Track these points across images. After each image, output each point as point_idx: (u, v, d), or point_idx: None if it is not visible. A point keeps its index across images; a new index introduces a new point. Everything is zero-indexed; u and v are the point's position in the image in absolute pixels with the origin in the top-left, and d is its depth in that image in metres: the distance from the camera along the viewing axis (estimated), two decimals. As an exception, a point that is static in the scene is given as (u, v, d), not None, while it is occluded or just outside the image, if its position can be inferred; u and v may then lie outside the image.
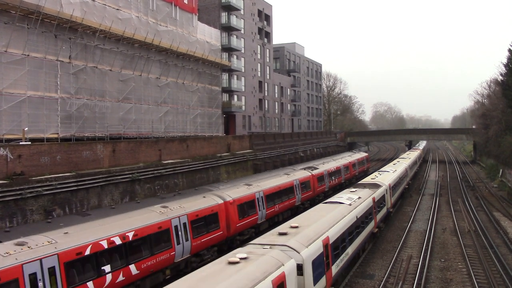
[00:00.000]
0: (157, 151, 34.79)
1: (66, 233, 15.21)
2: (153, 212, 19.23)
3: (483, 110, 71.59)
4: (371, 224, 24.08)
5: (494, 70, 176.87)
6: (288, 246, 14.09)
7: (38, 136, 27.74)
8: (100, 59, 33.33)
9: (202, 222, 21.06)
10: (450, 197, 42.44)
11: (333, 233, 17.15)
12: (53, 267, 13.65)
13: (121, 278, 16.06)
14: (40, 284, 13.14)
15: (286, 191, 31.08)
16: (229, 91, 57.34)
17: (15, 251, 13.12)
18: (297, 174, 35.21)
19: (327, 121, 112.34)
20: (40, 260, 13.34)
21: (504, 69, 50.74)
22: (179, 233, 19.41)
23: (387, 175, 34.33)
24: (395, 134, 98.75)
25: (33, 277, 13.00)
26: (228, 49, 56.43)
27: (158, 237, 18.16)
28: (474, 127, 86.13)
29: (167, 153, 35.95)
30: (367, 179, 32.76)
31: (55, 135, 29.29)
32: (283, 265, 12.54)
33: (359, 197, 23.57)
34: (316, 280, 14.47)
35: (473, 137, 75.78)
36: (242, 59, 61.33)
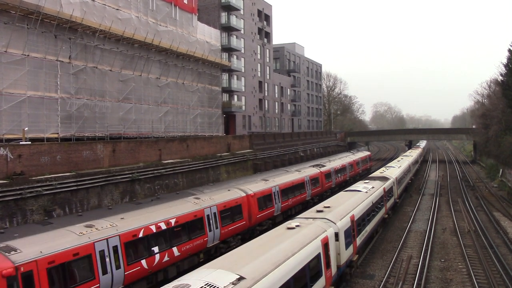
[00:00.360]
0: (157, 151, 34.79)
1: (123, 218, 17.57)
2: (188, 202, 21.81)
3: (483, 110, 71.59)
4: (382, 210, 27.93)
5: (494, 70, 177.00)
6: (327, 219, 18.03)
7: (38, 136, 27.75)
8: (100, 59, 33.33)
9: (228, 213, 23.53)
10: (450, 197, 42.43)
11: (357, 212, 21.12)
12: (116, 246, 15.99)
13: (166, 258, 18.41)
14: (107, 259, 15.46)
15: (298, 187, 33.29)
16: (229, 91, 57.34)
17: (86, 231, 15.44)
18: (307, 171, 37.29)
19: (327, 121, 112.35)
20: (107, 239, 15.67)
21: (504, 69, 50.71)
22: (211, 221, 21.94)
23: (394, 170, 37.70)
24: (395, 134, 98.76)
25: (102, 253, 15.35)
26: (228, 49, 56.43)
27: (194, 224, 20.67)
28: (474, 127, 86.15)
29: (167, 153, 35.95)
30: (376, 173, 36.17)
31: (55, 135, 29.30)
32: (326, 231, 16.52)
33: (373, 187, 27.36)
34: (347, 246, 18.43)
35: (473, 137, 75.77)
36: (242, 59, 61.33)
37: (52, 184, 24.36)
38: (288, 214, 31.36)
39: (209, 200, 22.67)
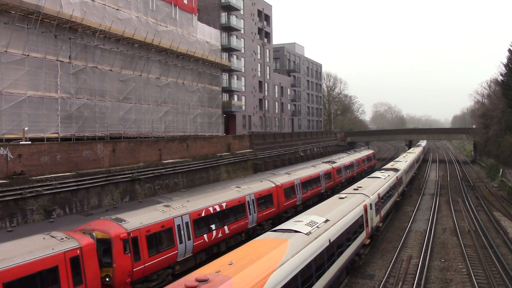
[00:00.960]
0: (157, 150, 34.80)
1: (188, 201, 21.92)
2: (232, 190, 26.05)
3: (483, 110, 71.64)
4: (396, 195, 34.31)
5: (494, 70, 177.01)
6: (363, 194, 24.72)
7: (38, 136, 27.75)
8: (100, 59, 33.33)
9: (263, 200, 27.38)
10: (450, 197, 42.43)
11: (381, 191, 27.43)
12: (187, 222, 20.18)
13: (220, 234, 22.44)
14: (182, 232, 19.75)
15: (315, 180, 37.45)
16: (229, 91, 57.35)
17: (167, 210, 19.75)
18: (321, 166, 41.30)
19: (327, 121, 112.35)
20: (181, 216, 19.89)
21: (504, 69, 50.74)
22: (250, 206, 25.83)
23: (401, 163, 44.01)
24: (395, 134, 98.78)
25: (178, 227, 19.60)
26: (228, 49, 56.44)
27: (238, 208, 24.65)
28: (474, 127, 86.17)
29: (167, 152, 35.96)
30: (388, 166, 42.65)
31: (55, 135, 29.30)
32: (364, 201, 23.27)
33: (388, 175, 33.92)
34: (376, 214, 24.77)
35: (473, 137, 75.78)
36: (242, 59, 61.34)
37: (52, 184, 24.37)
38: (307, 204, 34.32)
39: (247, 189, 26.71)
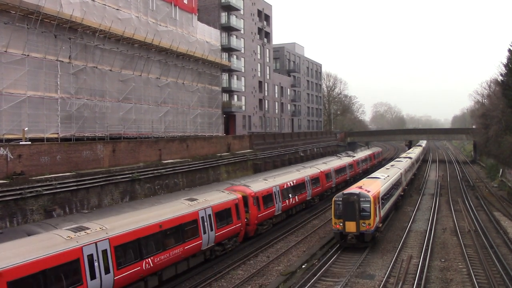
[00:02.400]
0: (157, 151, 34.80)
1: (275, 178, 32.66)
2: (296, 172, 37.18)
3: (483, 110, 71.57)
4: (410, 176, 46.28)
5: (494, 70, 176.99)
6: (398, 168, 37.94)
7: (38, 136, 27.74)
8: (100, 59, 33.33)
9: (313, 180, 37.23)
10: (450, 197, 42.43)
11: (397, 175, 35.43)
12: (278, 190, 30.41)
13: (293, 202, 32.83)
14: (277, 196, 30.01)
15: (343, 169, 47.07)
16: (229, 91, 57.35)
17: (268, 181, 30.88)
18: (347, 158, 51.92)
19: (327, 121, 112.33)
20: (277, 185, 30.56)
21: (504, 69, 50.69)
22: (307, 185, 35.57)
23: (411, 155, 55.63)
24: (395, 134, 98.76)
25: (275, 193, 29.94)
26: (228, 49, 56.44)
27: (300, 185, 34.41)
28: (474, 127, 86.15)
29: (167, 153, 35.96)
30: (401, 157, 53.19)
31: (55, 135, 29.29)
32: (400, 170, 37.70)
33: (408, 159, 47.31)
34: (405, 180, 37.65)
35: (473, 137, 75.78)
36: (242, 59, 61.34)
37: (52, 184, 24.36)
38: (338, 187, 43.79)
39: (305, 171, 37.45)
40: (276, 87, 76.16)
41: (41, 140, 27.56)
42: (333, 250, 24.55)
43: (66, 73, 30.34)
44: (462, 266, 21.76)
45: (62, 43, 29.96)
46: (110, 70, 34.38)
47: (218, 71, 51.35)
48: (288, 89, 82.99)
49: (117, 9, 35.15)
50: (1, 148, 22.78)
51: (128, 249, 16.80)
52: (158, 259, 18.23)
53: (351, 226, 23.81)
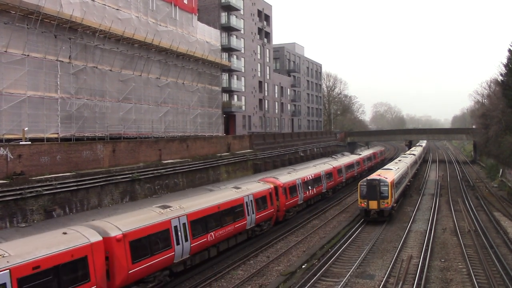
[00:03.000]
0: (157, 151, 34.80)
1: (297, 172, 37.40)
2: (312, 167, 41.38)
3: (483, 110, 71.61)
4: (414, 171, 52.19)
5: (494, 70, 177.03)
6: (405, 162, 44.27)
7: (38, 136, 27.75)
8: (100, 59, 33.34)
9: (328, 175, 41.21)
10: (450, 197, 42.43)
11: (405, 168, 41.61)
12: (301, 182, 34.29)
13: (315, 192, 37.57)
14: (300, 188, 33.94)
15: (352, 165, 51.27)
16: (229, 91, 57.35)
17: (293, 175, 34.95)
18: (354, 156, 57.04)
19: (327, 121, 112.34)
20: (299, 178, 34.53)
21: (504, 69, 50.71)
22: (322, 179, 39.79)
23: (414, 152, 61.88)
24: (395, 134, 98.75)
25: (299, 184, 33.90)
26: (228, 49, 56.44)
27: (318, 179, 38.35)
28: (474, 127, 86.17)
29: (167, 153, 35.96)
30: (407, 153, 60.03)
31: (55, 135, 29.30)
32: (407, 163, 44.38)
33: (412, 155, 54.23)
34: (411, 171, 45.60)
35: (473, 137, 75.78)
36: (242, 59, 61.34)
37: (52, 184, 24.36)
38: (348, 182, 49.31)
39: (321, 167, 41.90)
40: (276, 87, 76.17)
41: (41, 140, 27.57)
42: (334, 249, 24.58)
43: (66, 73, 30.35)
44: (462, 266, 21.76)
45: (62, 43, 29.97)
46: (110, 70, 34.38)
47: (218, 71, 51.35)
48: (288, 89, 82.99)
49: (117, 9, 35.16)
50: (1, 148, 22.78)
51: (198, 224, 21.08)
52: (217, 234, 22.44)
53: (373, 204, 30.84)
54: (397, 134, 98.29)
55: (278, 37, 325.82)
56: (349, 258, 23.30)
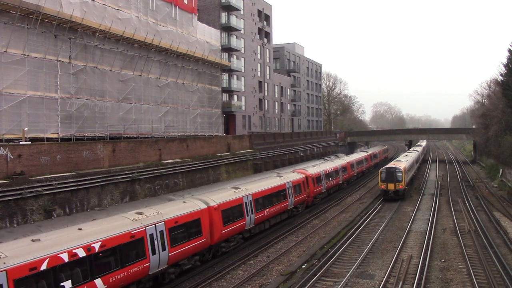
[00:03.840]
0: (157, 151, 34.79)
1: (315, 166, 41.52)
2: (329, 162, 48.48)
3: (483, 110, 71.54)
4: (419, 162, 62.82)
5: (494, 70, 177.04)
6: (412, 156, 53.19)
7: (38, 136, 27.75)
8: (100, 59, 33.34)
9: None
10: (450, 197, 42.42)
11: (412, 160, 50.03)
12: (323, 175, 39.72)
13: (334, 182, 42.70)
14: (324, 178, 39.77)
15: (363, 161, 57.88)
16: (229, 91, 57.34)
17: (317, 167, 41.34)
18: (363, 153, 62.12)
19: (327, 121, 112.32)
20: (322, 170, 39.99)
21: (504, 69, 50.69)
22: (340, 171, 45.85)
23: (417, 149, 70.53)
24: (395, 134, 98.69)
25: (323, 176, 39.33)
26: (228, 49, 56.43)
27: (334, 172, 43.83)
28: (474, 127, 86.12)
29: (167, 153, 35.95)
30: (411, 150, 68.55)
31: (55, 135, 29.30)
32: (415, 156, 56.46)
33: (416, 151, 61.50)
34: (416, 163, 55.40)
35: (473, 137, 75.77)
36: (242, 59, 61.33)
37: (52, 184, 24.36)
38: (358, 176, 55.37)
39: (338, 161, 49.21)
40: (276, 87, 76.15)
41: (41, 140, 27.57)
42: (334, 248, 24.59)
43: (66, 73, 30.35)
44: (462, 266, 21.75)
45: (62, 43, 29.97)
46: (110, 70, 34.38)
47: (218, 71, 51.35)
48: (288, 89, 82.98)
49: (117, 9, 35.16)
50: (1, 148, 22.78)
51: (260, 200, 27.14)
52: (270, 210, 28.52)
53: (391, 186, 39.79)
54: (397, 134, 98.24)
55: (278, 37, 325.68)
56: (349, 258, 23.30)
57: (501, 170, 52.19)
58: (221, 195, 24.46)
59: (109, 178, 28.39)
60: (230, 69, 56.09)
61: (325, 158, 60.84)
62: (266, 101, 71.53)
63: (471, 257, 23.00)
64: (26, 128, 26.74)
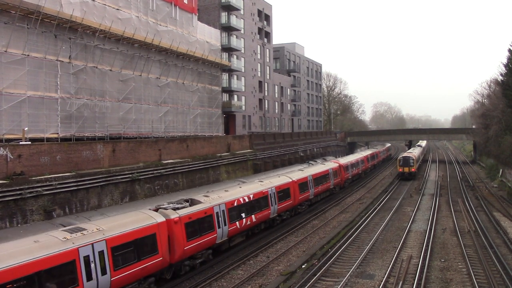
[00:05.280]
0: (157, 151, 34.79)
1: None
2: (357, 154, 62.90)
3: (483, 110, 71.54)
4: (422, 158, 78.08)
5: (494, 70, 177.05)
6: (414, 153, 60.46)
7: (38, 136, 27.75)
8: (100, 59, 33.34)
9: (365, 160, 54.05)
10: (450, 197, 42.42)
11: (419, 153, 69.33)
12: (339, 169, 45.58)
13: (356, 172, 53.80)
14: (347, 170, 48.70)
15: (375, 156, 69.56)
16: (229, 91, 57.35)
17: (338, 161, 48.21)
18: (372, 150, 74.46)
19: (327, 121, 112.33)
20: (340, 164, 47.42)
21: (504, 69, 50.70)
22: (353, 167, 51.75)
23: (421, 145, 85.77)
24: (395, 134, 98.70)
25: (339, 170, 45.82)
26: (228, 49, 56.44)
27: (357, 163, 54.79)
28: (474, 127, 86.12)
29: (167, 153, 35.95)
30: (416, 145, 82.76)
31: (55, 135, 29.30)
32: (416, 152, 66.34)
33: (421, 147, 79.52)
34: (416, 163, 59.75)
35: (473, 137, 75.77)
36: (242, 59, 61.34)
37: (52, 184, 24.35)
38: (367, 172, 62.27)
39: (362, 153, 61.87)
40: (276, 87, 76.16)
41: (41, 140, 27.57)
42: (334, 248, 24.59)
43: (66, 73, 30.35)
44: (462, 266, 21.76)
45: (62, 43, 29.98)
46: (110, 70, 34.38)
47: (218, 71, 51.35)
48: (288, 89, 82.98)
49: (117, 9, 35.16)
50: (1, 148, 22.78)
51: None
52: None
53: (406, 169, 55.89)
54: (397, 134, 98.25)
55: (278, 37, 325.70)
56: (349, 258, 23.30)
57: (501, 170, 52.18)
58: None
59: (109, 178, 28.39)
60: (230, 69, 56.09)
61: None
62: (266, 101, 71.54)
63: (471, 257, 23.00)
64: (26, 128, 26.74)
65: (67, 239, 15.18)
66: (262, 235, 28.11)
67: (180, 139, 39.31)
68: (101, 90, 33.45)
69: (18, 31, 26.88)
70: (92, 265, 15.48)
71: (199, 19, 49.08)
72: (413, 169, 55.73)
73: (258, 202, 26.80)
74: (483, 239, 26.60)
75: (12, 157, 23.20)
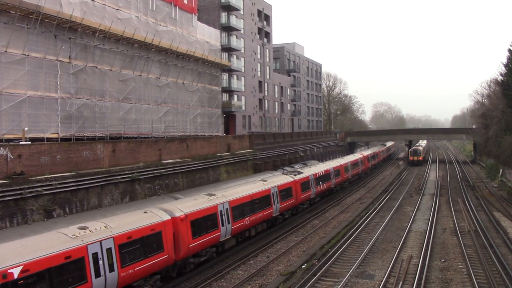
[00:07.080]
0: (157, 151, 34.78)
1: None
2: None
3: (483, 110, 71.55)
4: (424, 154, 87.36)
5: (494, 70, 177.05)
6: (421, 146, 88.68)
7: (38, 136, 27.74)
8: (100, 59, 33.33)
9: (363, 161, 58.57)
10: (450, 197, 42.43)
11: (424, 146, 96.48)
12: (341, 169, 46.46)
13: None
14: (350, 167, 51.23)
15: (380, 153, 76.23)
16: (229, 91, 57.34)
17: (339, 161, 49.59)
18: (376, 147, 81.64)
19: (327, 121, 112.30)
20: (349, 161, 52.50)
21: (504, 69, 50.69)
22: (354, 167, 53.90)
23: (423, 143, 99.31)
24: (395, 134, 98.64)
25: (341, 168, 47.49)
26: (228, 49, 56.43)
27: (361, 161, 58.26)
28: (474, 127, 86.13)
29: (167, 153, 35.94)
30: (420, 143, 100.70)
31: (55, 135, 29.30)
32: (422, 145, 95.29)
33: (421, 147, 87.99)
34: (423, 154, 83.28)
35: (473, 137, 75.77)
36: (242, 59, 61.33)
37: (52, 184, 24.34)
38: (375, 166, 70.22)
39: (367, 151, 68.88)
40: (276, 87, 76.16)
41: (41, 140, 27.56)
42: (334, 248, 24.60)
43: (66, 73, 30.34)
44: (462, 266, 21.76)
45: (62, 43, 29.97)
46: (110, 70, 34.38)
47: (218, 71, 51.35)
48: (288, 89, 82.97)
49: (117, 9, 35.15)
50: (1, 148, 22.77)
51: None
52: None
53: (415, 158, 76.39)
54: (397, 134, 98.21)
55: (278, 37, 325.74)
56: (349, 258, 23.30)
57: (501, 170, 52.18)
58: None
59: (109, 178, 28.38)
60: (230, 69, 56.09)
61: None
62: (266, 101, 71.54)
63: (471, 257, 23.01)
64: (26, 128, 26.73)
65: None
66: (264, 234, 28.51)
67: (180, 139, 39.29)
68: (101, 90, 33.44)
69: (18, 31, 26.87)
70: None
71: (199, 19, 49.07)
72: (420, 158, 76.42)
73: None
74: (483, 239, 26.60)
75: (12, 157, 23.20)
